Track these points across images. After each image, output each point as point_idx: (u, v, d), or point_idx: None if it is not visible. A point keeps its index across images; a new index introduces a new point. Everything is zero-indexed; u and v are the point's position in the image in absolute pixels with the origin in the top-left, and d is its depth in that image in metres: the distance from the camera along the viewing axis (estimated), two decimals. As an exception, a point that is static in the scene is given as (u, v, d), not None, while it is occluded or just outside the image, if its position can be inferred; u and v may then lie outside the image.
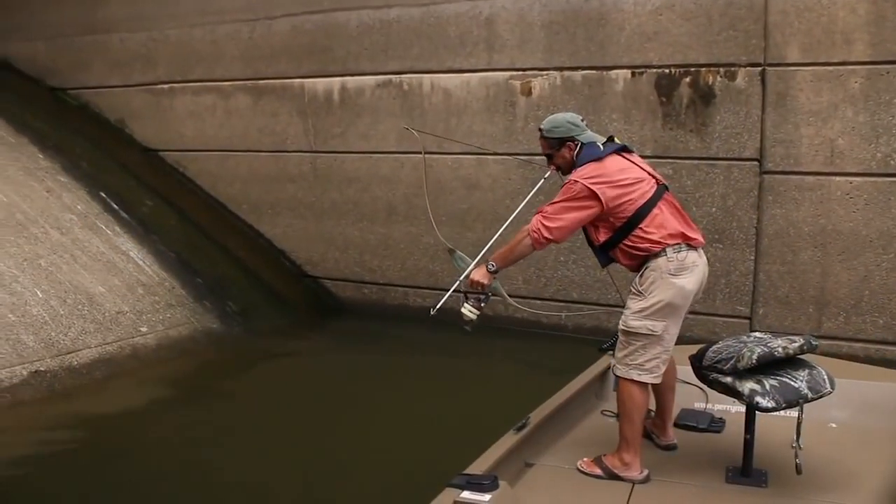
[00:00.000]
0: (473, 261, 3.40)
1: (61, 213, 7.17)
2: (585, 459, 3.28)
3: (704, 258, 3.23)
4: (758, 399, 2.94)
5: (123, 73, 8.57)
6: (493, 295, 3.38)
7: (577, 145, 3.25)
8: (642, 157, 3.47)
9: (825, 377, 3.05)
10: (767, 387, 2.96)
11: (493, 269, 3.26)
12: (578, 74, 6.45)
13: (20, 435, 4.92)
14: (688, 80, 6.07)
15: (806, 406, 2.98)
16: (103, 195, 7.79)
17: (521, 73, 6.67)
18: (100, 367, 5.91)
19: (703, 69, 6.00)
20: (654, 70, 6.16)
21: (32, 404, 5.32)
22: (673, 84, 6.12)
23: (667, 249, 3.09)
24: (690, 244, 3.13)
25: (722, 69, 5.93)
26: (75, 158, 8.11)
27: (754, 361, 2.99)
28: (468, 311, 3.26)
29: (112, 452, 4.76)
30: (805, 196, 5.79)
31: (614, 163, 3.16)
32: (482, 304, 3.28)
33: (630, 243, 3.14)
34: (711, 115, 6.02)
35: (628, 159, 3.24)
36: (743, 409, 3.16)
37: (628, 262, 3.22)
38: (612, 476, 3.17)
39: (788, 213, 5.86)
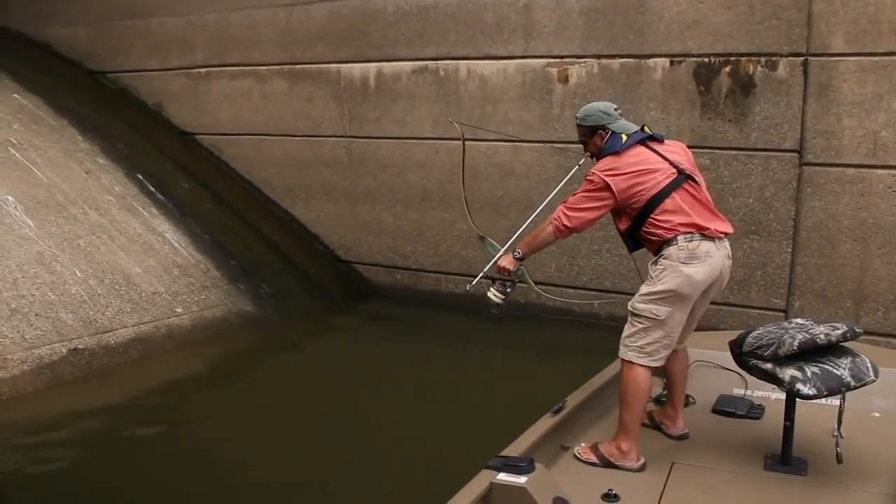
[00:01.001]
0: (502, 248, 3.54)
1: (100, 195, 7.26)
2: (583, 446, 3.29)
3: (725, 250, 3.21)
4: (798, 386, 2.91)
5: (161, 57, 8.66)
6: (519, 281, 3.52)
7: (608, 133, 3.31)
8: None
9: (868, 365, 3.00)
10: (809, 374, 2.93)
11: (518, 255, 3.42)
12: (616, 62, 6.41)
13: (61, 412, 5.00)
14: (727, 69, 6.00)
15: (848, 394, 2.95)
16: (140, 177, 7.88)
17: (558, 60, 6.63)
18: (136, 347, 5.99)
19: (744, 59, 5.93)
20: (694, 59, 6.10)
21: (71, 381, 5.41)
22: (712, 73, 6.06)
23: (678, 238, 3.11)
24: (705, 234, 3.13)
25: (763, 59, 5.86)
26: (113, 141, 8.20)
27: (795, 348, 2.96)
28: (493, 295, 3.45)
29: (147, 430, 4.83)
30: (845, 189, 5.70)
31: (632, 155, 3.21)
32: (508, 290, 3.46)
33: (645, 230, 3.20)
34: (751, 105, 5.95)
35: (653, 148, 3.26)
36: (783, 396, 3.13)
37: (648, 246, 3.28)
38: (608, 464, 3.17)
39: (828, 205, 5.78)
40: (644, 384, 3.17)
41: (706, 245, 3.12)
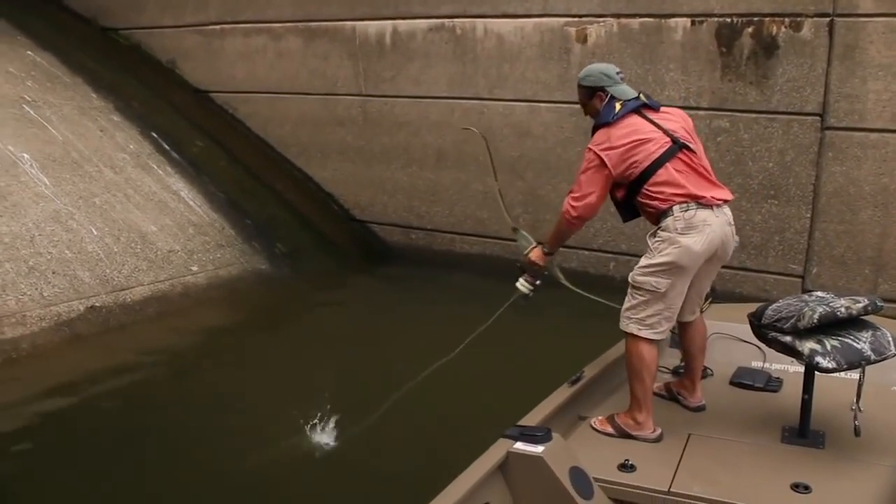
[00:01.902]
0: (533, 242, 3.61)
1: (114, 153, 7.26)
2: (599, 418, 3.29)
3: (725, 217, 3.15)
4: (818, 359, 2.88)
5: (175, 14, 8.56)
6: (547, 274, 3.61)
7: (606, 97, 3.25)
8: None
9: (889, 339, 2.96)
10: (828, 347, 2.90)
11: (546, 251, 3.50)
12: (636, 22, 6.28)
13: (78, 368, 5.08)
14: (750, 30, 5.87)
15: (868, 368, 2.94)
16: (155, 135, 7.86)
17: (576, 19, 6.51)
18: (152, 304, 6.04)
19: (767, 19, 5.79)
20: (716, 19, 5.96)
21: (89, 338, 5.47)
22: (734, 34, 5.94)
23: (674, 208, 3.07)
24: (701, 202, 3.08)
25: (787, 19, 5.72)
26: (127, 98, 8.17)
27: (815, 321, 2.92)
28: (522, 285, 3.56)
29: (163, 387, 4.90)
30: (868, 154, 5.61)
31: (624, 125, 3.15)
32: (537, 283, 3.55)
33: (641, 201, 3.17)
34: (773, 67, 5.83)
35: (646, 117, 3.19)
36: (801, 369, 3.11)
37: (647, 217, 3.25)
38: (625, 435, 3.17)
39: (849, 170, 5.70)
40: (650, 356, 3.16)
41: (703, 214, 3.07)
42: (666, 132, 3.15)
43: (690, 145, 3.18)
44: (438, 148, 7.37)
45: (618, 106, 3.18)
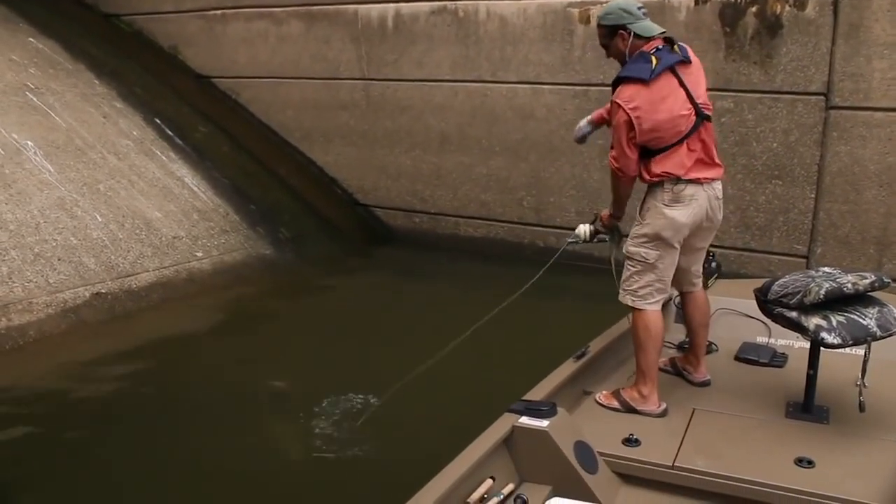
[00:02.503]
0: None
1: (118, 139, 7.26)
2: (604, 392, 3.29)
3: (713, 191, 3.13)
4: (823, 335, 2.88)
5: (176, -1, 8.56)
6: (608, 239, 3.64)
7: (629, 35, 3.07)
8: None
9: (896, 315, 2.98)
10: (834, 323, 2.90)
11: (611, 213, 3.48)
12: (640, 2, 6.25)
13: (85, 355, 5.10)
14: (754, 9, 5.84)
15: (874, 344, 2.93)
16: (158, 121, 7.86)
17: (579, 0, 6.49)
18: (157, 291, 6.05)
19: (771, -2, 5.79)
20: (719, -1, 5.96)
21: (94, 325, 5.49)
22: (738, 13, 5.91)
23: (664, 182, 3.07)
24: (692, 181, 3.06)
25: (791, -2, 5.71)
26: (130, 85, 8.17)
27: (822, 297, 2.92)
28: (583, 229, 3.62)
29: (167, 375, 4.91)
30: (873, 133, 5.58)
31: (659, 89, 2.99)
32: (595, 238, 3.61)
33: (643, 161, 3.12)
34: (777, 46, 5.81)
35: (679, 78, 3.03)
36: (806, 345, 3.11)
37: (640, 175, 3.16)
38: (630, 409, 3.17)
39: (854, 150, 5.67)
40: (654, 328, 3.17)
41: (692, 189, 3.07)
42: (694, 104, 3.04)
43: (709, 115, 3.12)
44: (442, 131, 7.36)
45: (654, 60, 2.97)
